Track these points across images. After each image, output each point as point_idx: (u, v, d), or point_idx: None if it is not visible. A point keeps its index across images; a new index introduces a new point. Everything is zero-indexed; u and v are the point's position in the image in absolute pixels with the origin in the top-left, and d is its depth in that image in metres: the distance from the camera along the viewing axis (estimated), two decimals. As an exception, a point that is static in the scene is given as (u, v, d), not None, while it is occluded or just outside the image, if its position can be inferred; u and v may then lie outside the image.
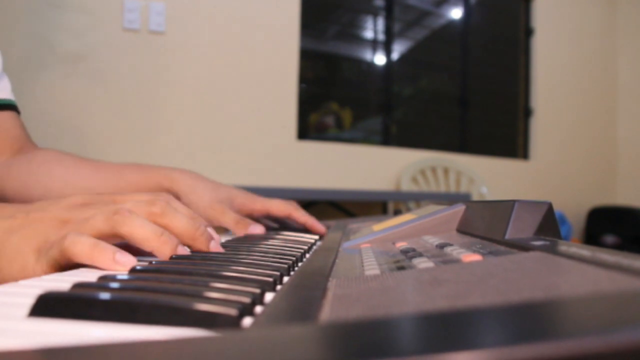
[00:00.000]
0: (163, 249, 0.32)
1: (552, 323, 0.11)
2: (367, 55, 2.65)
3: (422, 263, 0.26)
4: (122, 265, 0.29)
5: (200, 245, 0.36)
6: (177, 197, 0.62)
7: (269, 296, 0.22)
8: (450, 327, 0.11)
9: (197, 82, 1.96)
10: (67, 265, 0.31)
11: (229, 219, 0.59)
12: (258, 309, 0.20)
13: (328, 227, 0.71)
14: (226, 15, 2.01)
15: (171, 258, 0.32)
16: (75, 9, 1.76)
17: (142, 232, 0.32)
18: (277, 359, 0.10)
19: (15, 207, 0.36)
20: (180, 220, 0.35)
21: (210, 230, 0.38)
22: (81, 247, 0.30)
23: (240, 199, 0.65)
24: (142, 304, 0.18)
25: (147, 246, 0.32)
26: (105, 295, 0.19)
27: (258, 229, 0.57)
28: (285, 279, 0.27)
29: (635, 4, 3.31)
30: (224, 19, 2.01)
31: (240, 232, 0.57)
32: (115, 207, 0.34)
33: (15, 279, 0.31)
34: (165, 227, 0.34)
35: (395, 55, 2.67)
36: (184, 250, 0.34)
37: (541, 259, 0.22)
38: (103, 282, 0.22)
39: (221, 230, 0.64)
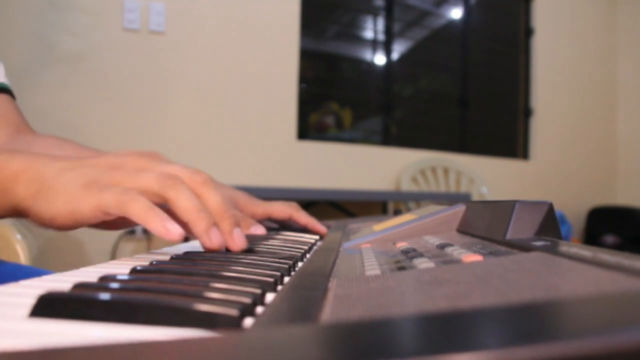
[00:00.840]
0: (199, 223, 0.34)
1: (553, 324, 0.11)
2: (367, 55, 2.65)
3: (423, 263, 0.26)
4: (171, 234, 0.31)
5: (226, 225, 0.36)
6: None
7: (269, 296, 0.22)
8: (451, 327, 0.11)
9: (197, 82, 1.96)
10: (115, 215, 0.33)
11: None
12: (259, 309, 0.20)
13: (328, 227, 0.71)
14: (226, 15, 2.01)
15: (171, 258, 0.32)
16: (75, 9, 1.76)
17: (186, 202, 0.34)
18: (279, 360, 0.10)
19: (69, 157, 0.38)
20: (217, 196, 0.36)
21: (237, 231, 0.39)
22: (138, 207, 0.32)
23: (243, 200, 0.65)
24: (142, 305, 0.18)
25: (185, 217, 0.34)
26: (105, 296, 0.19)
27: (259, 230, 0.57)
28: (286, 279, 0.27)
29: (635, 4, 3.31)
30: (224, 19, 2.01)
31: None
32: (167, 168, 0.36)
33: (60, 211, 0.33)
34: (201, 197, 0.35)
35: (395, 55, 2.67)
36: (216, 234, 0.35)
37: (542, 260, 0.22)
38: (103, 283, 0.22)
39: None
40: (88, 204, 0.33)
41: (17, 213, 0.36)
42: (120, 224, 0.40)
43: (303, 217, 0.65)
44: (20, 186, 0.35)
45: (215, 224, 0.35)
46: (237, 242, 0.36)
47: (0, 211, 0.36)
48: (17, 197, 0.35)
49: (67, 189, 0.34)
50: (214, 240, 0.34)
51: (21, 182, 0.35)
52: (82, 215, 0.33)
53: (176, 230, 0.31)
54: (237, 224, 0.38)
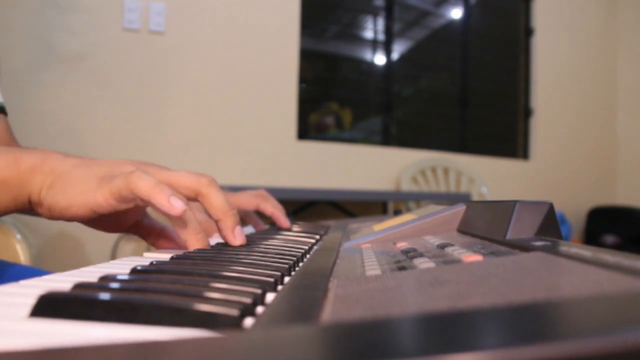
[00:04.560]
0: (229, 220, 0.39)
1: (553, 324, 0.11)
2: (367, 55, 2.65)
3: (423, 263, 0.26)
4: (174, 208, 0.34)
5: (229, 222, 0.40)
6: None
7: (270, 296, 0.22)
8: (452, 327, 0.11)
9: (197, 82, 1.96)
10: (127, 197, 0.35)
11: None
12: (259, 309, 0.20)
13: (328, 227, 0.71)
14: (226, 15, 2.01)
15: (172, 258, 0.32)
16: (75, 9, 1.76)
17: (218, 200, 0.39)
18: (279, 360, 0.10)
19: (81, 156, 0.41)
20: (220, 196, 0.40)
21: (238, 228, 0.43)
22: (145, 183, 0.34)
23: None
24: (143, 305, 0.18)
25: (217, 214, 0.39)
26: (106, 296, 0.19)
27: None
28: (286, 279, 0.27)
29: (635, 4, 3.30)
30: (224, 19, 2.01)
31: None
32: (173, 178, 0.39)
33: (76, 200, 0.36)
34: (205, 197, 0.39)
35: (395, 55, 2.67)
36: (240, 232, 0.40)
37: (542, 260, 0.22)
38: (104, 283, 0.22)
39: None
40: (102, 193, 0.35)
41: (30, 206, 0.38)
42: (127, 219, 0.44)
43: (269, 208, 0.67)
44: (36, 178, 0.37)
45: (218, 220, 0.40)
46: (238, 237, 0.40)
47: (14, 204, 0.38)
48: (33, 188, 0.37)
49: (81, 181, 0.36)
50: (238, 238, 0.40)
51: (37, 175, 0.37)
52: (96, 204, 0.36)
53: (180, 206, 0.35)
54: (238, 220, 0.41)
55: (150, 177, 0.35)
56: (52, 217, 0.38)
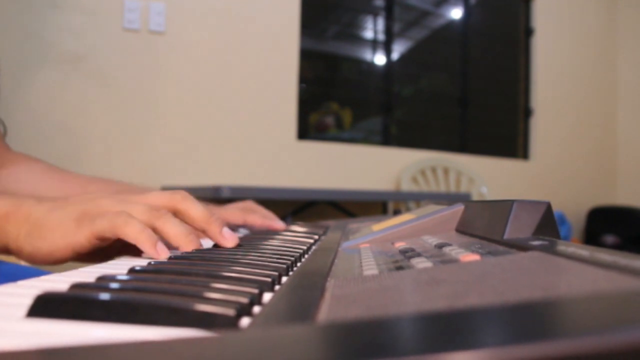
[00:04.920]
0: (188, 247, 0.37)
1: (550, 323, 0.11)
2: (367, 55, 2.65)
3: (421, 263, 0.26)
4: (160, 254, 0.34)
5: (214, 228, 0.40)
6: None
7: (267, 296, 0.22)
8: (449, 327, 0.11)
9: (197, 82, 1.96)
10: (110, 239, 0.35)
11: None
12: (256, 309, 0.20)
13: (327, 227, 0.70)
14: (226, 15, 2.01)
15: (169, 258, 0.32)
16: (75, 9, 1.76)
17: (174, 230, 0.37)
18: None
19: (54, 198, 0.40)
20: (198, 207, 0.40)
21: (226, 229, 0.43)
22: (131, 228, 0.34)
23: None
24: (140, 305, 0.18)
25: (175, 242, 0.37)
26: (103, 296, 0.19)
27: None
28: (284, 279, 0.27)
29: (635, 4, 3.30)
30: (224, 19, 2.01)
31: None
32: (146, 200, 0.39)
33: (58, 245, 0.36)
34: (184, 212, 0.40)
35: (395, 55, 2.67)
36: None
37: (539, 259, 0.22)
38: (101, 283, 0.22)
39: None
40: (83, 234, 0.35)
41: (9, 252, 0.38)
42: (114, 252, 0.43)
43: (258, 220, 0.65)
44: (10, 226, 0.37)
45: (203, 230, 0.40)
46: (229, 238, 0.40)
47: None
48: (9, 236, 0.37)
49: (60, 225, 0.36)
50: (229, 239, 0.39)
51: (11, 223, 0.37)
52: (80, 245, 0.35)
53: (164, 253, 0.35)
54: (223, 223, 0.41)
55: (137, 222, 0.35)
56: (35, 263, 0.38)
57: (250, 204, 0.68)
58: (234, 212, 0.66)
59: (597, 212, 3.03)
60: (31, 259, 0.37)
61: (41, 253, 0.36)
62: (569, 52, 3.08)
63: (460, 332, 0.11)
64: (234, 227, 0.67)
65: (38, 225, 0.36)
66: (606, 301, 0.12)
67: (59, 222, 0.36)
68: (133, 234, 0.34)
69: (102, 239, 0.35)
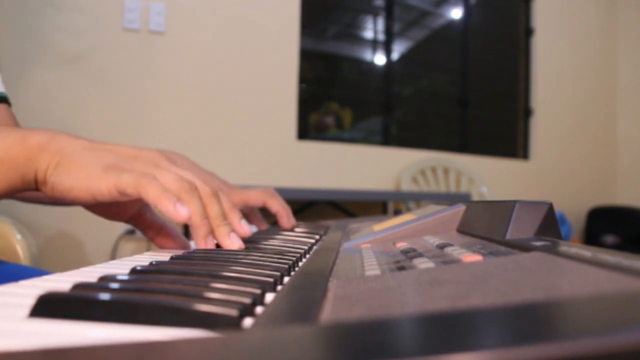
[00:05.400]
0: (200, 229, 0.38)
1: (552, 324, 0.11)
2: (367, 55, 2.65)
3: (423, 263, 0.26)
4: (180, 215, 0.35)
5: (222, 231, 0.40)
6: None
7: (269, 296, 0.22)
8: (451, 327, 0.11)
9: (197, 82, 1.96)
10: (132, 195, 0.35)
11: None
12: (258, 309, 0.20)
13: (328, 227, 0.70)
14: (226, 15, 2.01)
15: (171, 258, 0.32)
16: (75, 9, 1.76)
17: (194, 208, 0.37)
18: (278, 360, 0.10)
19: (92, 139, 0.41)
20: (218, 207, 0.40)
21: (244, 222, 0.44)
22: (153, 189, 0.35)
23: (221, 189, 0.66)
24: (142, 305, 0.18)
25: (192, 220, 0.37)
26: (105, 296, 0.19)
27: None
28: (286, 279, 0.27)
29: (635, 4, 3.30)
30: (224, 19, 2.01)
31: None
32: (182, 172, 0.39)
33: (80, 185, 0.36)
34: (205, 207, 0.39)
35: (395, 55, 2.67)
36: (211, 241, 0.39)
37: (542, 260, 0.22)
38: (103, 283, 0.22)
39: None
40: (106, 183, 0.35)
41: (36, 185, 0.38)
42: (126, 216, 0.44)
43: (275, 205, 0.66)
44: (43, 156, 0.37)
45: (213, 229, 0.40)
46: (235, 242, 0.40)
47: (22, 182, 0.38)
48: (40, 166, 0.37)
49: (88, 166, 0.36)
50: (208, 245, 0.39)
51: (45, 153, 0.37)
52: (99, 192, 0.36)
53: (185, 212, 0.35)
54: (230, 231, 0.41)
55: (159, 184, 0.35)
56: (54, 195, 0.38)
57: (272, 190, 0.69)
58: (256, 193, 0.67)
59: (597, 212, 3.03)
60: (52, 191, 0.37)
61: (62, 187, 0.36)
62: (569, 52, 3.07)
63: (463, 333, 0.11)
64: (251, 210, 0.70)
65: (67, 160, 0.37)
66: (609, 302, 0.12)
67: (89, 162, 0.37)
68: (154, 193, 0.34)
69: (122, 193, 0.35)
